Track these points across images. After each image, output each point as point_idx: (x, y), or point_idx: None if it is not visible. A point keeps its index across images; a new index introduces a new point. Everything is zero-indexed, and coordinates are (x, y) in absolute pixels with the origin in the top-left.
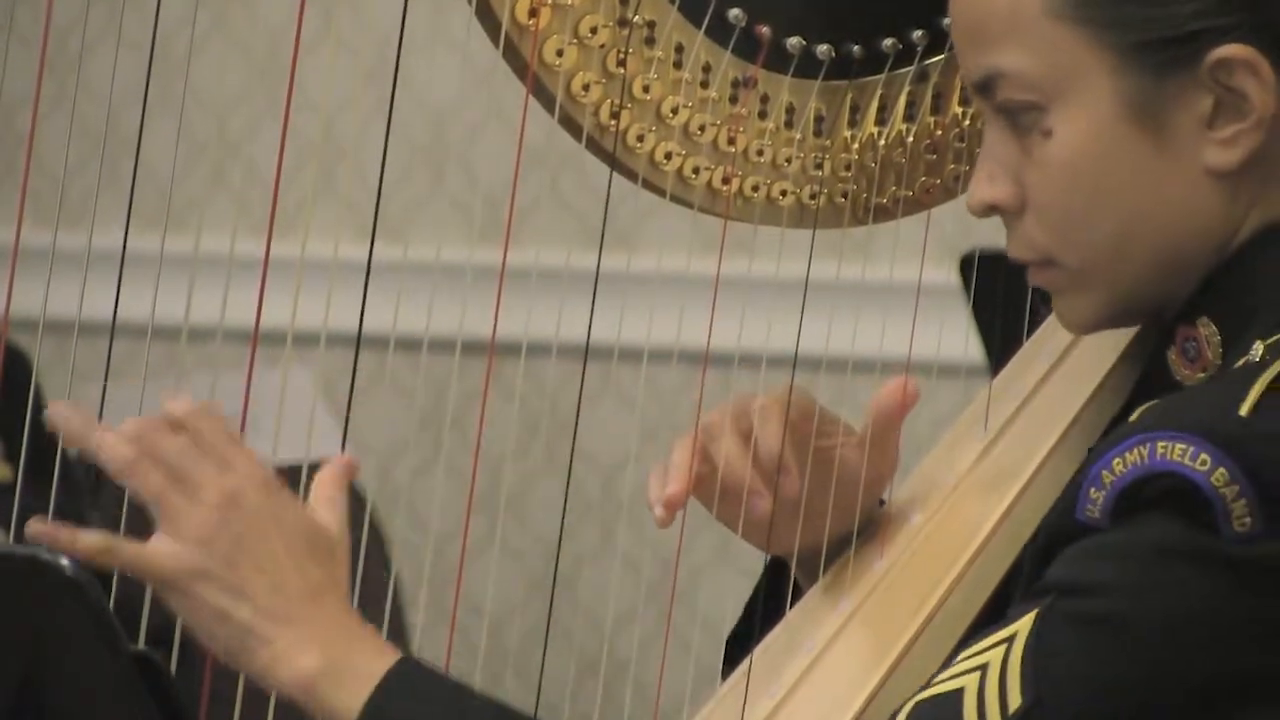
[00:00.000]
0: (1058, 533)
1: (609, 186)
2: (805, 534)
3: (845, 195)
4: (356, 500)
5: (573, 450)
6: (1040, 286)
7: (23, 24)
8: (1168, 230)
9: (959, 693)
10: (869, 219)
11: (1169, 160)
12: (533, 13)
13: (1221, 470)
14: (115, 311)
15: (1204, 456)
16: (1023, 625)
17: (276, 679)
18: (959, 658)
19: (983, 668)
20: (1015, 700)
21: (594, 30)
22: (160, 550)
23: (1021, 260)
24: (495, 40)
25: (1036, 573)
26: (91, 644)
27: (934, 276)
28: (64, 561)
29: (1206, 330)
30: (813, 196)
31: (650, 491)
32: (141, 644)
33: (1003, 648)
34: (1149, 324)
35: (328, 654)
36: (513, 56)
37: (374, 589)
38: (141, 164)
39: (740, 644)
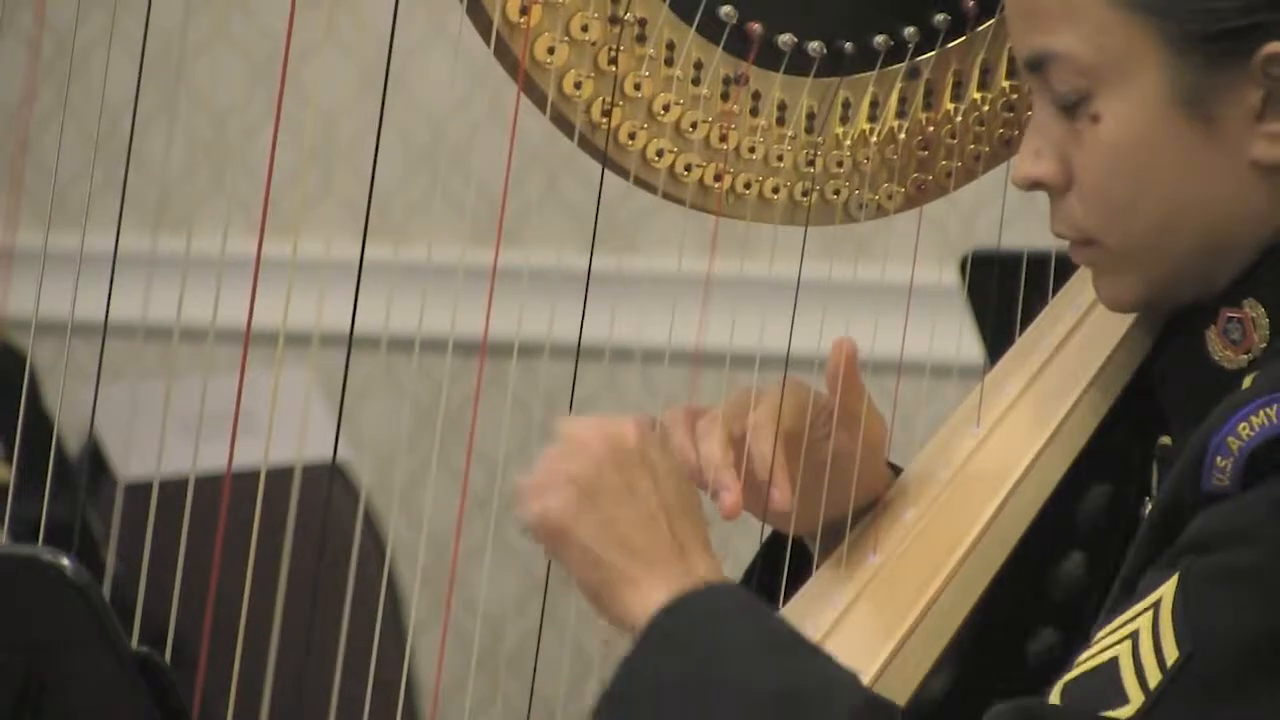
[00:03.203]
0: (1180, 505)
1: (600, 185)
2: (803, 522)
3: (837, 192)
4: (353, 500)
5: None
6: (1080, 264)
7: (23, 25)
8: (1210, 220)
9: (1113, 661)
10: (861, 216)
11: (1215, 151)
12: (524, 10)
13: None
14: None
15: None
16: (1166, 590)
17: (634, 623)
18: (1101, 634)
19: (1133, 635)
20: (1171, 654)
21: (585, 28)
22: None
23: (1062, 237)
24: (486, 38)
25: (1154, 546)
26: (92, 644)
27: (934, 277)
28: (64, 561)
29: (1255, 312)
30: (805, 193)
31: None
32: (139, 643)
33: (1150, 613)
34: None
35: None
36: (504, 55)
37: (371, 588)
38: (143, 166)
39: None
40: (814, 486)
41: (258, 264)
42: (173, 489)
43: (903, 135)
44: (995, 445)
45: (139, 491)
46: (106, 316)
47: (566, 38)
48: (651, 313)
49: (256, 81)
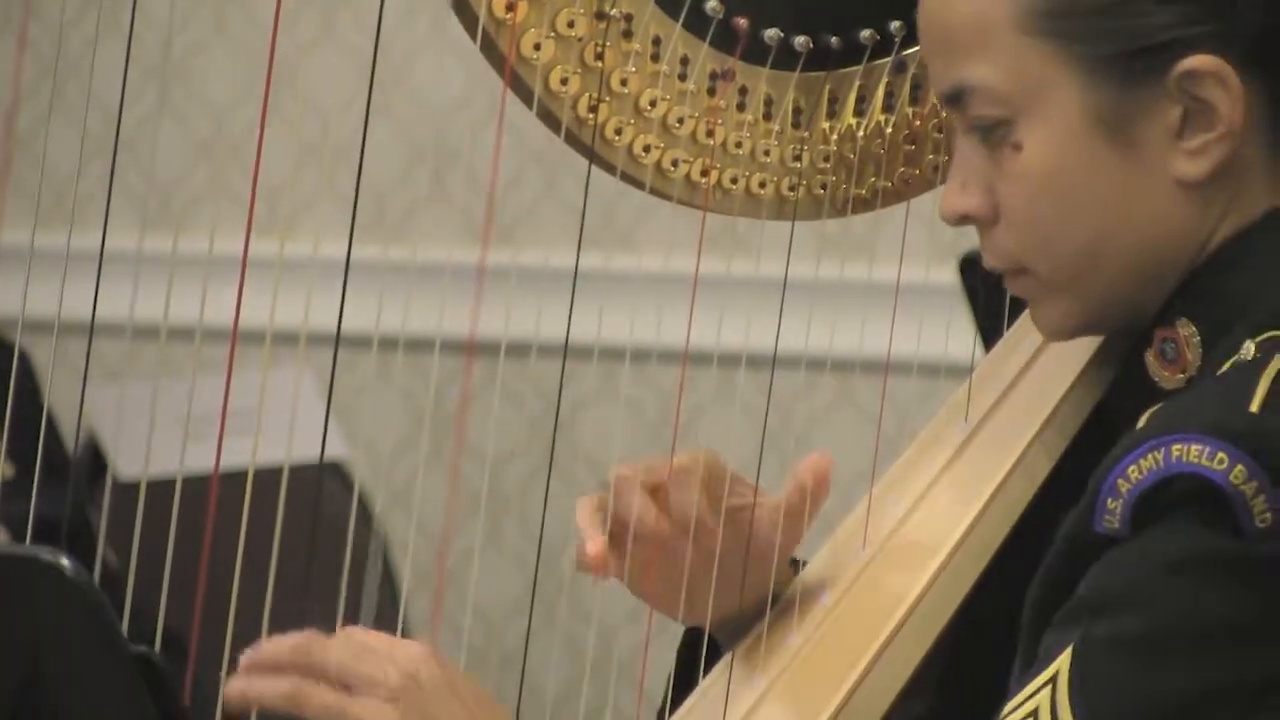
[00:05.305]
0: (1078, 545)
1: (586, 180)
2: (720, 600)
3: (824, 187)
4: (354, 500)
5: (553, 448)
6: (1015, 294)
7: (22, 23)
8: (1138, 240)
9: None
10: (848, 210)
11: (1138, 172)
12: (510, 6)
13: (1240, 467)
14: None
15: (1221, 455)
16: (1062, 662)
17: None
18: (1006, 709)
19: (1034, 713)
20: None
21: (571, 23)
22: None
23: (996, 269)
24: (473, 34)
25: (1056, 588)
26: (91, 644)
27: (922, 275)
28: (64, 561)
29: (1186, 331)
30: (791, 188)
31: (579, 559)
32: (142, 643)
33: (1048, 690)
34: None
35: None
36: (490, 51)
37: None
38: (142, 165)
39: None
40: (706, 578)
41: (245, 262)
42: (182, 487)
43: (889, 130)
44: (964, 465)
45: (146, 490)
46: (94, 315)
47: (553, 33)
48: (652, 310)
49: (256, 79)
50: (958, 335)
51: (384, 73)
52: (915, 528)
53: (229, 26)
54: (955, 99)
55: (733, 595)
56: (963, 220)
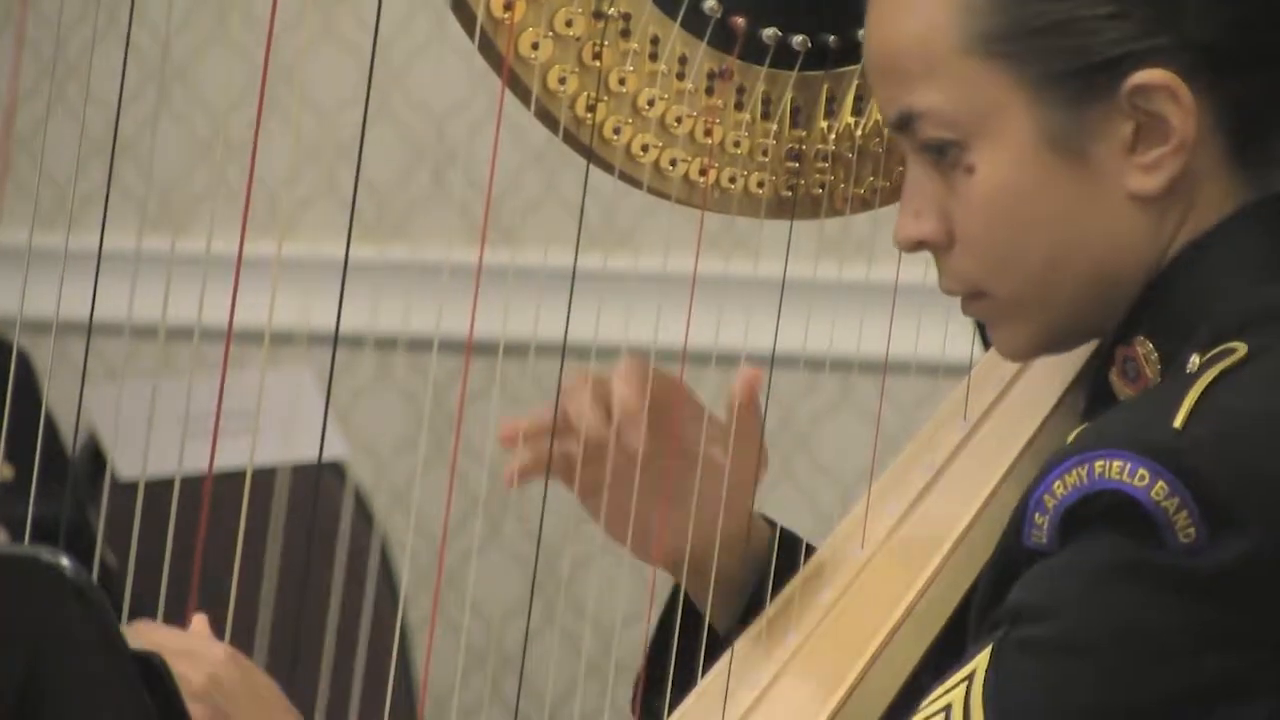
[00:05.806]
0: (1008, 560)
1: (584, 180)
2: (675, 533)
3: (823, 186)
4: (363, 500)
5: (551, 448)
6: (972, 317)
7: (21, 22)
8: (1095, 257)
9: None
10: (846, 209)
11: (1092, 188)
12: (507, 6)
13: (1161, 484)
14: (92, 308)
15: (1142, 471)
16: (980, 661)
17: None
18: (923, 704)
19: (946, 709)
20: None
21: (569, 23)
22: None
23: (952, 293)
24: (471, 34)
25: (991, 601)
26: (91, 644)
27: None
28: (64, 561)
29: (1144, 349)
30: (790, 188)
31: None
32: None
33: (963, 686)
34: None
35: None
36: (488, 50)
37: (371, 587)
38: (141, 165)
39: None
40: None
41: (240, 260)
42: (181, 487)
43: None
44: (963, 464)
45: (145, 489)
46: (92, 315)
47: (551, 33)
48: (650, 310)
49: (256, 80)
50: (956, 335)
51: (383, 73)
52: (914, 527)
53: (228, 27)
54: (903, 125)
55: (683, 530)
56: (918, 247)
